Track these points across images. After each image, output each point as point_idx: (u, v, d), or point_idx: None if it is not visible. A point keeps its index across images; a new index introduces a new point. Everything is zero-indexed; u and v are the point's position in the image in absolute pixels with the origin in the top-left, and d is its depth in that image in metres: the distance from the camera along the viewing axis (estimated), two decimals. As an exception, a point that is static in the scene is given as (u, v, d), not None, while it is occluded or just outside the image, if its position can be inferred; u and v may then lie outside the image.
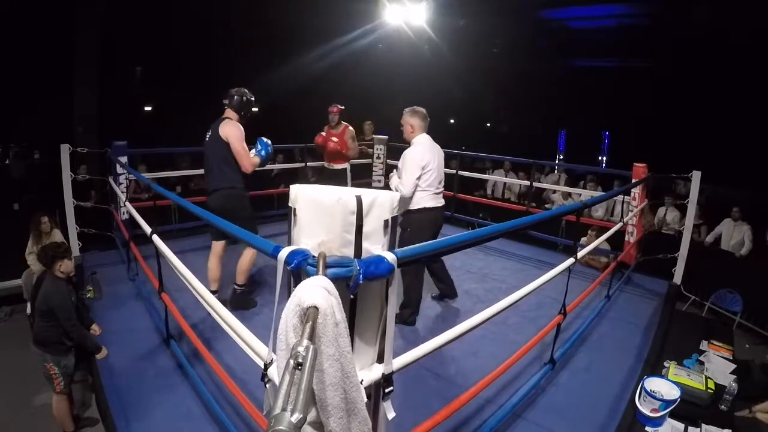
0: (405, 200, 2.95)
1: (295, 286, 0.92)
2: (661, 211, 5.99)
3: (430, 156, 2.93)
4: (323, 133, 4.74)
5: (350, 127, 4.74)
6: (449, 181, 5.58)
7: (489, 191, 7.86)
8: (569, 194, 6.59)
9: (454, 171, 5.37)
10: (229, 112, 3.02)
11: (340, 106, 4.70)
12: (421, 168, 2.89)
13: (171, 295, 2.62)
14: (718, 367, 2.77)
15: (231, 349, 2.48)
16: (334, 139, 4.64)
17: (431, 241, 1.37)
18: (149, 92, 10.60)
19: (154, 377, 2.48)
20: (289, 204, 1.17)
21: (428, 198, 2.97)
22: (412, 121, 3.01)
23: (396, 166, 3.17)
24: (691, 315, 4.27)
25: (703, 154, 6.30)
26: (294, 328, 0.84)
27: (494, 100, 11.70)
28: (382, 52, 10.34)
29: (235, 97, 3.02)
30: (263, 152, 3.15)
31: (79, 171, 4.77)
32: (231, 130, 2.90)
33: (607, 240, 3.90)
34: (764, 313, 4.48)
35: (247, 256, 3.09)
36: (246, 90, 3.10)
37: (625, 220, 3.84)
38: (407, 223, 2.99)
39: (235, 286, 3.13)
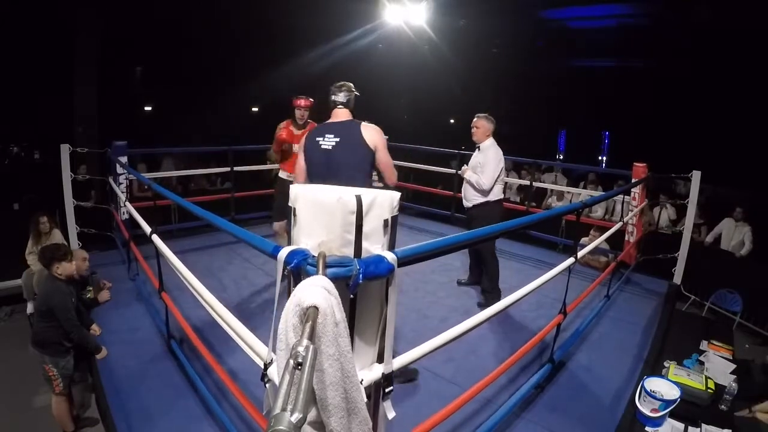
0: (481, 193, 3.37)
1: (295, 285, 0.92)
2: (656, 211, 5.99)
3: (501, 155, 3.42)
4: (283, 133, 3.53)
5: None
6: (449, 181, 5.61)
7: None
8: (562, 195, 6.60)
9: (454, 171, 5.38)
10: (345, 113, 2.43)
11: (309, 99, 3.65)
12: (500, 165, 3.38)
13: (171, 295, 2.62)
14: (718, 367, 2.77)
15: (231, 349, 2.48)
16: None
17: (431, 241, 1.37)
18: (149, 92, 10.61)
19: (155, 377, 2.48)
20: (289, 204, 1.17)
21: (501, 190, 3.48)
22: (488, 125, 3.41)
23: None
24: (691, 315, 4.27)
25: (703, 154, 6.30)
26: (294, 327, 0.84)
27: (494, 100, 11.71)
28: (382, 52, 10.34)
29: (351, 94, 2.44)
30: None
31: (79, 171, 4.77)
32: (379, 137, 2.35)
33: (607, 240, 3.91)
34: (764, 313, 4.47)
35: None
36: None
37: (625, 219, 3.84)
38: (486, 212, 3.34)
39: None
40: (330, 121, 2.39)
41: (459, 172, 3.60)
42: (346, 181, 2.23)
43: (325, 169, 2.29)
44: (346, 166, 2.29)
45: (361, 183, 2.26)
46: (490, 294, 3.43)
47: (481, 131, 3.43)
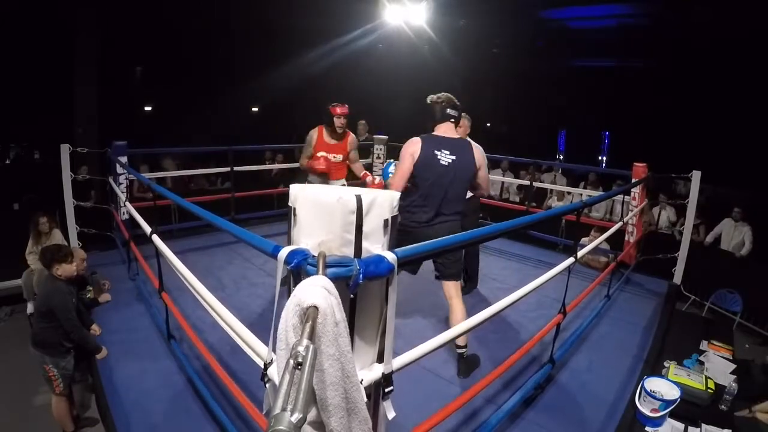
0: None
1: (295, 285, 0.92)
2: (656, 211, 6.00)
3: None
4: (321, 155, 3.40)
5: (352, 135, 3.65)
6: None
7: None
8: (563, 196, 6.60)
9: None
10: (453, 128, 2.56)
11: (345, 105, 3.47)
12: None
13: (171, 295, 2.62)
14: (718, 367, 2.77)
15: (231, 349, 2.49)
16: (337, 156, 3.51)
17: (432, 240, 1.37)
18: (149, 92, 10.61)
19: (154, 377, 2.48)
20: (289, 203, 1.17)
21: None
22: (469, 123, 3.53)
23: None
24: (691, 315, 4.27)
25: (703, 154, 6.30)
26: (294, 327, 0.84)
27: (494, 100, 11.71)
28: (382, 52, 10.34)
29: (460, 110, 2.58)
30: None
31: (79, 171, 4.77)
32: (483, 157, 2.60)
33: (607, 240, 3.91)
34: (764, 313, 4.47)
35: (458, 309, 2.53)
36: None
37: (625, 219, 3.84)
38: (471, 206, 3.39)
39: (462, 351, 2.55)
40: (442, 135, 2.50)
41: None
42: (456, 193, 2.52)
43: (439, 181, 2.46)
44: (459, 182, 2.50)
45: (465, 196, 2.62)
46: (472, 281, 3.70)
47: (463, 129, 3.48)
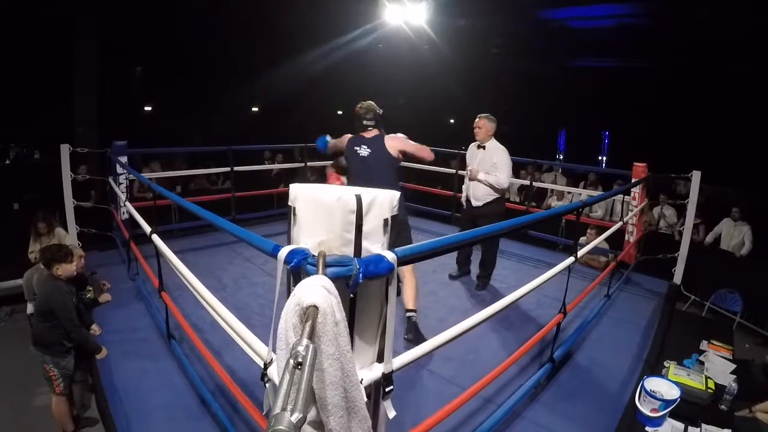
0: (498, 192, 3.57)
1: (295, 285, 0.92)
2: (656, 211, 5.99)
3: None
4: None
5: None
6: (449, 181, 5.61)
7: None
8: (563, 195, 6.60)
9: (454, 171, 5.38)
10: (374, 131, 3.01)
11: (342, 178, 4.29)
12: (511, 162, 3.60)
13: (171, 295, 2.62)
14: (718, 367, 2.77)
15: (231, 348, 2.48)
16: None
17: (432, 240, 1.37)
18: (149, 92, 10.60)
19: (155, 377, 2.48)
20: (289, 203, 1.17)
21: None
22: (490, 125, 3.58)
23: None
24: (691, 315, 4.27)
25: (703, 154, 6.30)
26: (294, 327, 0.84)
27: (494, 100, 11.70)
28: (382, 52, 10.34)
29: (377, 116, 3.00)
30: None
31: (79, 171, 4.77)
32: (398, 142, 2.95)
33: (607, 240, 3.91)
34: (764, 313, 4.47)
35: (410, 279, 2.83)
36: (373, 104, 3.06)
37: (625, 219, 3.84)
38: (496, 208, 3.59)
39: (411, 314, 2.82)
40: (362, 135, 2.99)
41: (466, 174, 3.71)
42: (378, 179, 2.71)
43: (361, 175, 2.92)
44: (379, 172, 2.87)
45: (393, 186, 2.68)
46: (486, 279, 3.77)
47: (484, 131, 3.58)
